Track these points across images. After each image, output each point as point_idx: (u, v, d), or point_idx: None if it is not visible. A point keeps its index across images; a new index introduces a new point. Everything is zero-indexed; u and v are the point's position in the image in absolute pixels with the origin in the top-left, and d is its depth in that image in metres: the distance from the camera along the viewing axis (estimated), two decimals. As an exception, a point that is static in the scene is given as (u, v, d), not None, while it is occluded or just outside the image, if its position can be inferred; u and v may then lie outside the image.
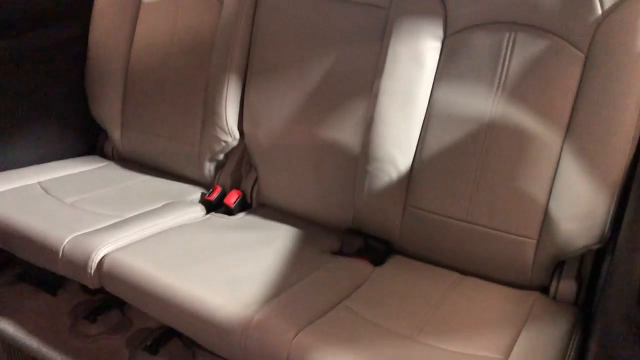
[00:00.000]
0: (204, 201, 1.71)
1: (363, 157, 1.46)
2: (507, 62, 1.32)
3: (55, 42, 1.90)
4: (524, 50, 1.31)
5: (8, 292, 1.67)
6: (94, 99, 1.99)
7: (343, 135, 1.51)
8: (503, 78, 1.32)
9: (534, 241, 1.29)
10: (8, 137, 1.80)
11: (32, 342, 1.49)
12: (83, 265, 1.34)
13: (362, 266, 1.40)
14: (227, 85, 1.68)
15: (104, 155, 2.05)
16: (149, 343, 1.44)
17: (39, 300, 1.64)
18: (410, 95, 1.41)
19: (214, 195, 1.71)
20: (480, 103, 1.34)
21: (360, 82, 1.48)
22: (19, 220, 1.47)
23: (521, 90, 1.30)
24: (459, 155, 1.36)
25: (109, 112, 1.96)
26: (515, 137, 1.30)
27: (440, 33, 1.41)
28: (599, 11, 1.23)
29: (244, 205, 1.73)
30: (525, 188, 1.29)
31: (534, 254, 1.30)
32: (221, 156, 1.77)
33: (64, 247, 1.38)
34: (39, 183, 1.72)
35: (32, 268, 1.52)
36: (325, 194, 1.58)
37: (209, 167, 1.79)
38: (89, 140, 2.07)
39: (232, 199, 1.69)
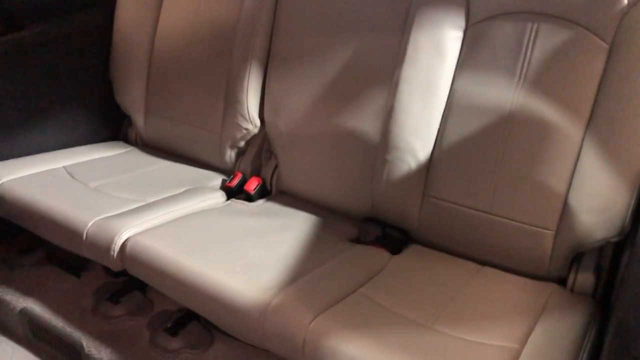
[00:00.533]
0: (224, 187, 1.74)
1: (382, 146, 1.47)
2: (529, 53, 1.31)
3: (81, 30, 1.93)
4: (546, 40, 1.29)
5: (35, 273, 1.71)
6: (118, 85, 2.02)
7: (363, 124, 1.52)
8: (525, 68, 1.31)
9: (552, 232, 1.29)
10: (35, 123, 1.84)
11: (56, 322, 1.53)
12: (106, 248, 1.38)
13: (379, 255, 1.41)
14: (249, 73, 1.69)
15: (127, 141, 2.09)
16: (169, 325, 1.47)
17: (63, 281, 1.69)
18: (431, 85, 1.41)
19: (235, 182, 1.73)
20: (501, 93, 1.33)
21: (380, 71, 1.49)
22: (45, 203, 1.51)
23: (543, 81, 1.29)
24: (479, 146, 1.36)
25: (133, 99, 1.99)
26: (535, 128, 1.29)
27: (462, 23, 1.40)
28: (625, 1, 1.22)
29: (264, 192, 1.75)
30: (544, 179, 1.28)
31: (552, 245, 1.29)
32: (242, 143, 1.79)
33: (88, 230, 1.41)
34: (65, 167, 1.76)
35: (58, 250, 1.56)
36: (344, 182, 1.59)
37: (230, 154, 1.81)
38: (114, 126, 2.10)
39: (252, 185, 1.71)
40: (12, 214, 1.59)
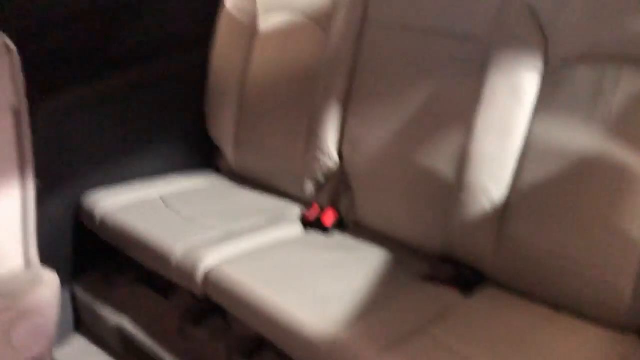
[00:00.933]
0: (302, 218, 1.81)
1: (457, 186, 1.48)
2: (610, 97, 1.28)
3: (181, 69, 2.10)
4: (629, 84, 1.26)
5: (129, 293, 1.86)
6: (211, 118, 2.16)
7: (438, 163, 1.54)
8: (605, 114, 1.28)
9: (632, 282, 1.24)
10: (135, 152, 2.02)
11: (145, 340, 1.65)
12: (191, 274, 1.49)
13: (450, 294, 1.42)
14: (329, 110, 1.77)
15: (218, 170, 2.22)
16: (245, 350, 1.55)
17: (153, 301, 1.81)
18: (507, 127, 1.41)
19: (312, 214, 1.80)
20: (581, 138, 1.31)
21: (457, 112, 1.51)
22: (140, 229, 1.66)
23: (625, 127, 1.26)
24: (556, 190, 1.34)
25: (224, 132, 2.13)
26: (616, 174, 1.26)
27: (540, 65, 1.40)
28: None
29: (340, 225, 1.80)
30: (624, 227, 1.24)
31: (631, 295, 1.24)
32: (321, 176, 1.86)
33: (175, 256, 1.54)
34: (159, 195, 1.91)
35: (149, 272, 1.70)
36: (418, 219, 1.61)
37: (310, 186, 1.89)
38: (206, 156, 2.25)
39: (328, 218, 1.77)
40: (112, 237, 1.75)
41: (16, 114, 1.08)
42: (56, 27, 1.80)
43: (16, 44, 1.15)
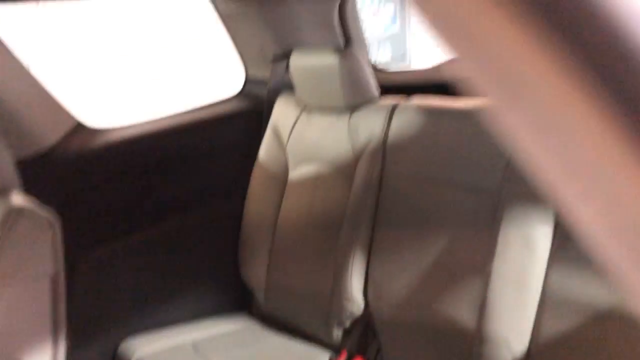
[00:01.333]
0: (330, 366, 1.82)
1: (477, 339, 1.48)
2: (621, 249, 1.31)
3: (216, 216, 2.23)
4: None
5: None
6: (244, 263, 2.25)
7: (458, 313, 1.55)
8: (617, 265, 1.30)
9: None
10: (169, 297, 2.10)
11: None
12: None
13: None
14: (353, 257, 1.83)
15: (250, 312, 2.27)
16: None
17: None
18: (523, 279, 1.43)
19: (340, 363, 1.81)
20: (595, 289, 1.32)
21: (472, 263, 1.54)
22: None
23: None
24: (576, 341, 1.33)
25: (256, 276, 2.19)
26: (633, 325, 1.25)
27: (552, 218, 1.44)
28: None
29: (369, 373, 1.79)
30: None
31: None
32: (348, 323, 1.88)
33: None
34: (191, 341, 1.96)
35: None
36: (444, 369, 1.60)
37: (337, 333, 1.90)
38: (239, 299, 2.30)
39: (355, 369, 1.77)
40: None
41: (53, 280, 1.18)
42: (97, 188, 1.96)
43: (58, 209, 1.27)
